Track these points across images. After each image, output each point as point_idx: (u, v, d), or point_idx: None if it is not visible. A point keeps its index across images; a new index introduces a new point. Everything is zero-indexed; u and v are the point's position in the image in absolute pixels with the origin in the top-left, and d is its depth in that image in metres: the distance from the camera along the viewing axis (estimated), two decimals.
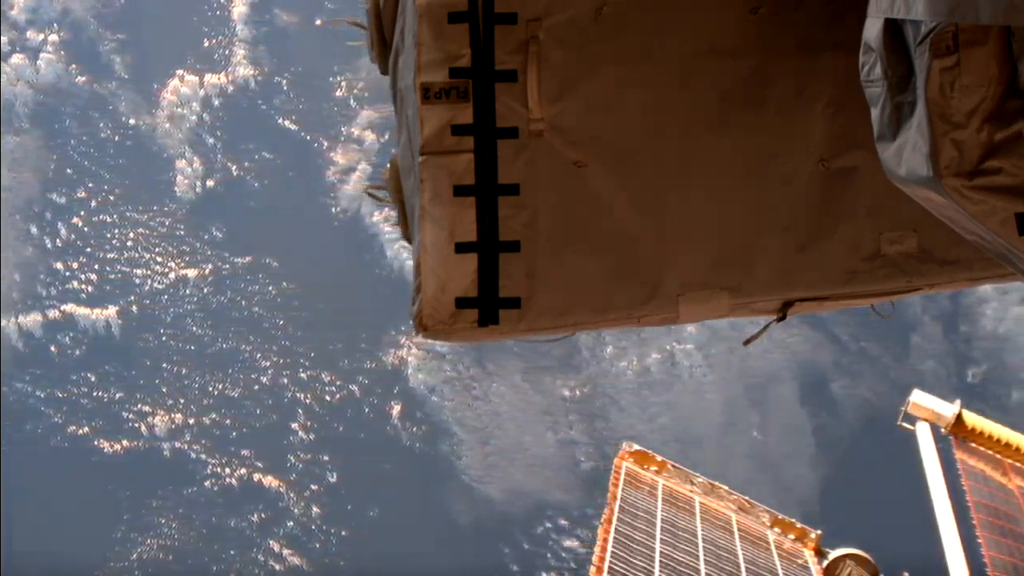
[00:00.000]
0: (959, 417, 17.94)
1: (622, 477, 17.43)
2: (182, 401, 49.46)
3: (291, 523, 46.30)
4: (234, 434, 48.47)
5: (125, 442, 48.83)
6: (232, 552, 46.30)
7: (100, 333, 50.82)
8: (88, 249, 52.10)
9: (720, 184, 6.08)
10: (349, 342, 49.28)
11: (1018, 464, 17.65)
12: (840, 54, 5.83)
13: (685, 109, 5.96)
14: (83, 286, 51.73)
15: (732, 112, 5.99)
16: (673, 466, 18.29)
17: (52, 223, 52.85)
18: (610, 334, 45.00)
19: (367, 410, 48.35)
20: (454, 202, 5.85)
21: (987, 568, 14.67)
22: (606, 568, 14.47)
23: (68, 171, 53.48)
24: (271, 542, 46.03)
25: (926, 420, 18.12)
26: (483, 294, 5.94)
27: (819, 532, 17.90)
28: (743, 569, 16.14)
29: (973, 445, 17.81)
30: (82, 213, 52.56)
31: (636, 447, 18.33)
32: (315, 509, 46.40)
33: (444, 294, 5.92)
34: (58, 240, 52.53)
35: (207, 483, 47.68)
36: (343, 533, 45.78)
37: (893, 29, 4.42)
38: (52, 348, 51.13)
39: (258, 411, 48.94)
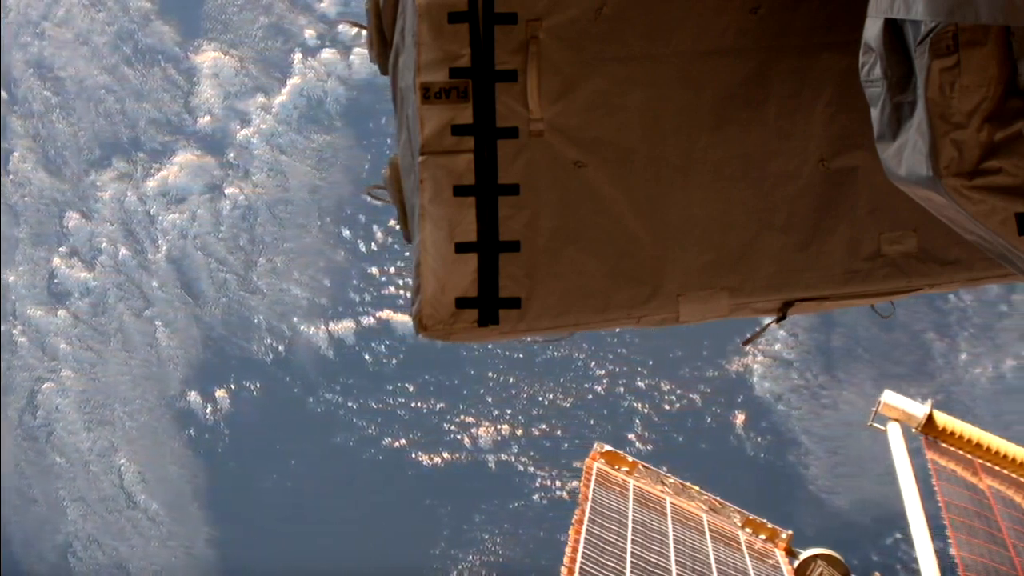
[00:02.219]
0: (930, 417, 18.01)
1: (593, 478, 17.44)
2: (509, 412, 48.14)
3: None
4: (566, 445, 47.13)
5: (446, 455, 47.90)
6: (563, 568, 44.35)
7: (419, 341, 48.86)
8: (406, 253, 49.73)
9: (720, 184, 6.08)
10: (690, 349, 47.55)
11: (989, 464, 17.74)
12: (840, 54, 5.85)
13: (685, 109, 5.96)
14: (400, 291, 50.65)
15: (732, 112, 5.99)
16: (644, 467, 18.33)
17: (367, 226, 51.94)
18: (965, 340, 44.42)
19: (709, 420, 46.81)
20: (454, 202, 5.84)
21: (958, 568, 14.72)
22: (577, 569, 14.51)
23: (384, 171, 51.52)
24: None
25: (897, 420, 18.18)
26: (483, 294, 5.93)
27: (789, 532, 17.93)
28: (714, 570, 16.18)
29: (944, 445, 17.90)
30: None
31: (607, 447, 18.33)
32: None
33: (444, 294, 5.91)
34: (373, 244, 51.71)
35: (536, 496, 46.55)
36: None
37: (893, 29, 4.45)
38: (366, 357, 50.21)
39: (592, 421, 47.40)
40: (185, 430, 50.89)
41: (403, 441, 48.05)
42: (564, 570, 14.48)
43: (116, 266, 52.88)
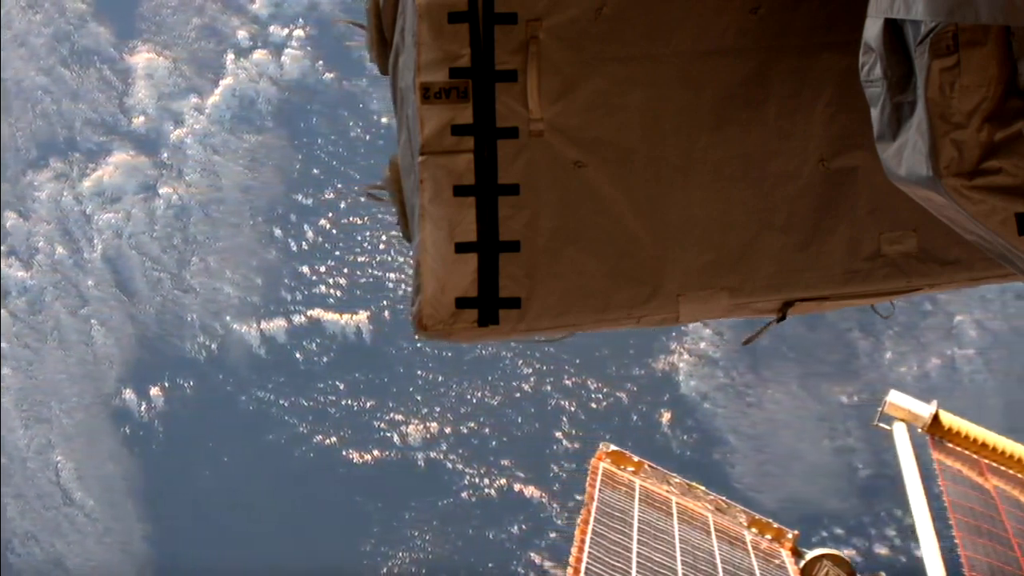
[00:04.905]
0: (936, 417, 17.92)
1: (599, 478, 17.39)
2: (438, 409, 47.94)
3: (554, 534, 44.23)
4: (493, 443, 46.81)
5: (376, 452, 47.53)
6: (490, 565, 44.94)
7: (350, 339, 49.37)
8: (337, 252, 50.51)
9: (720, 184, 6.08)
10: (617, 348, 47.34)
11: (995, 464, 17.65)
12: (840, 54, 5.85)
13: (685, 109, 5.96)
14: (331, 291, 50.23)
15: (732, 112, 6.00)
16: (650, 466, 18.26)
17: (297, 225, 51.52)
18: (890, 339, 44.53)
19: (635, 418, 46.52)
20: (454, 202, 5.83)
21: (964, 568, 14.70)
22: (583, 569, 14.45)
23: (315, 171, 52.02)
24: (532, 554, 44.46)
25: (903, 420, 18.10)
26: (483, 294, 5.92)
27: (796, 532, 17.91)
28: (720, 569, 16.16)
29: (950, 445, 17.80)
30: (330, 215, 50.92)
31: (613, 447, 18.29)
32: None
33: (444, 294, 5.90)
34: (304, 243, 51.20)
35: (464, 494, 46.20)
36: None
37: (893, 29, 4.46)
38: (297, 355, 49.95)
39: (519, 419, 47.27)
40: (121, 427, 50.69)
41: (334, 439, 47.83)
42: (570, 570, 14.42)
43: (53, 265, 52.66)
